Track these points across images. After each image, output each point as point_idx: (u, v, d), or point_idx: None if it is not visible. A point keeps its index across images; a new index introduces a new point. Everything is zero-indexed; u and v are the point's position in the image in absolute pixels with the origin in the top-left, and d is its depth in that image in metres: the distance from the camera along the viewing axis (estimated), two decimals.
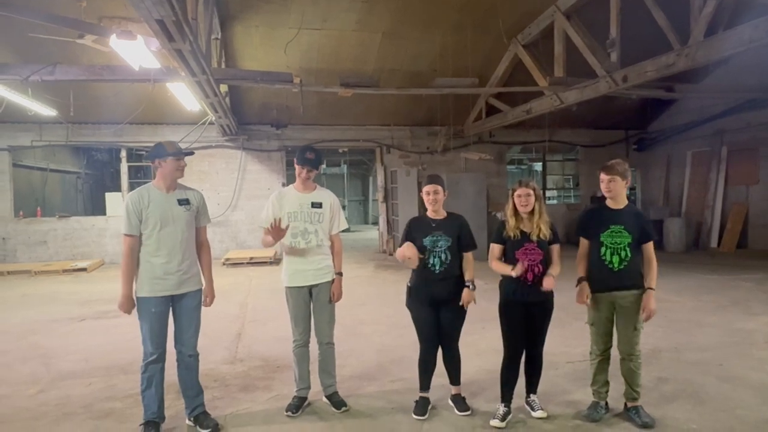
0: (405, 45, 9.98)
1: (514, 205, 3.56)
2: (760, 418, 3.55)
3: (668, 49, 6.71)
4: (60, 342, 5.69)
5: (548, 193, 16.76)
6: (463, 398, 3.76)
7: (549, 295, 3.58)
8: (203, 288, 3.63)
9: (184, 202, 3.50)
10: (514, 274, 3.45)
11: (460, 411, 3.67)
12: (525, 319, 3.56)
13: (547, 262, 3.54)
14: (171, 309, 3.49)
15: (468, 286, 3.62)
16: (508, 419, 3.56)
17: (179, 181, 3.58)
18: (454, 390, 3.80)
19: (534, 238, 3.51)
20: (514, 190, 3.59)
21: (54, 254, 11.65)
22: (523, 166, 23.72)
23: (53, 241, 11.70)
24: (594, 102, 9.04)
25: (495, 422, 3.52)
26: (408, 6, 8.81)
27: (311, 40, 9.47)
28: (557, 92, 8.98)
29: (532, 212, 3.53)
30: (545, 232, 3.52)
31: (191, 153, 3.58)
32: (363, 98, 10.38)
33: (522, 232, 3.55)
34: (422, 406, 3.72)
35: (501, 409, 3.60)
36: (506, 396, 3.64)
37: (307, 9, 8.60)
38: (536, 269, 3.50)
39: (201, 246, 3.66)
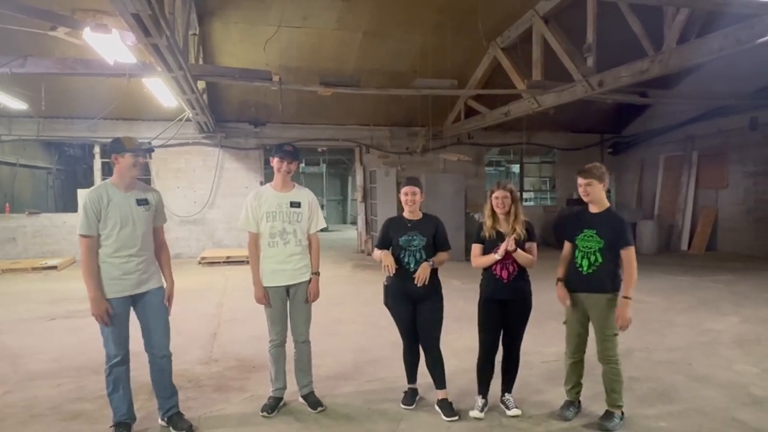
0: (385, 45, 9.99)
1: (492, 206, 3.63)
2: (726, 416, 3.65)
3: (643, 56, 6.85)
4: (28, 342, 5.54)
5: (525, 195, 16.96)
6: (450, 403, 3.71)
7: (526, 294, 3.66)
8: (164, 286, 3.55)
9: (143, 202, 3.43)
10: (498, 256, 3.54)
11: (447, 417, 3.62)
12: (501, 317, 3.66)
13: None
14: (133, 310, 3.42)
15: (427, 261, 3.64)
16: (486, 410, 3.69)
17: (138, 179, 3.51)
18: (440, 395, 3.75)
19: None
20: (492, 192, 3.66)
21: (23, 252, 11.33)
22: (501, 168, 23.95)
23: (22, 238, 11.38)
24: (571, 105, 9.17)
25: (474, 413, 3.66)
26: (388, 6, 8.82)
27: (291, 37, 9.40)
28: (535, 95, 9.09)
29: (508, 213, 3.62)
30: (520, 233, 3.60)
31: (151, 150, 3.48)
32: (343, 98, 10.34)
33: (498, 232, 3.64)
34: (410, 397, 3.84)
35: (479, 400, 3.73)
36: (483, 389, 3.76)
37: (287, 6, 8.53)
38: (510, 268, 3.60)
39: (160, 246, 3.60)
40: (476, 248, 3.73)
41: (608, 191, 17.09)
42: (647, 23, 6.93)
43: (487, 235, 3.66)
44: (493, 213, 3.66)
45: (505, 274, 3.60)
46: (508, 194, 3.60)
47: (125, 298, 3.34)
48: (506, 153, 18.33)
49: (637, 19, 7.01)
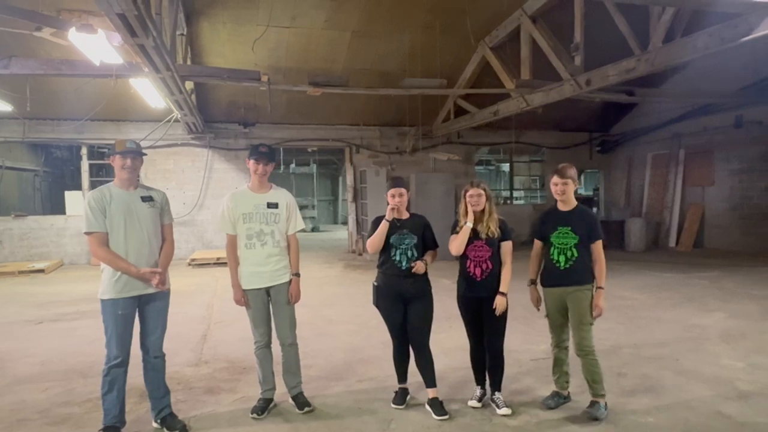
0: (374, 45, 9.99)
1: (466, 205, 3.72)
2: (712, 410, 3.70)
3: (629, 55, 6.92)
4: (16, 345, 5.47)
5: (515, 194, 17.04)
6: (440, 402, 3.72)
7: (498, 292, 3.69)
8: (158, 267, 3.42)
9: (147, 199, 3.46)
10: (469, 223, 3.65)
11: (437, 415, 3.62)
12: (478, 313, 3.74)
13: (495, 258, 3.71)
14: (137, 310, 3.41)
15: (422, 260, 3.70)
16: (484, 399, 3.81)
17: (142, 181, 3.54)
18: (431, 393, 3.76)
19: (483, 236, 3.68)
20: (466, 191, 3.75)
21: (9, 255, 11.19)
22: (491, 167, 24.06)
23: (9, 241, 11.24)
24: (559, 104, 9.23)
25: (473, 403, 3.79)
26: (377, 5, 8.81)
27: (280, 37, 9.37)
28: (523, 94, 9.14)
29: (482, 211, 3.69)
30: (494, 230, 3.68)
31: (138, 153, 3.45)
32: (332, 97, 10.34)
33: (472, 230, 3.71)
34: (401, 396, 3.86)
35: (477, 391, 3.86)
36: (479, 380, 3.89)
37: (276, 6, 8.51)
38: (484, 266, 3.68)
39: (164, 241, 3.58)
40: (452, 237, 3.81)
41: (596, 189, 17.28)
42: (634, 22, 7.00)
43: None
44: (467, 212, 3.73)
45: (478, 272, 3.69)
46: (482, 192, 3.69)
47: (133, 298, 3.33)
48: (496, 152, 18.41)
49: (624, 19, 7.07)
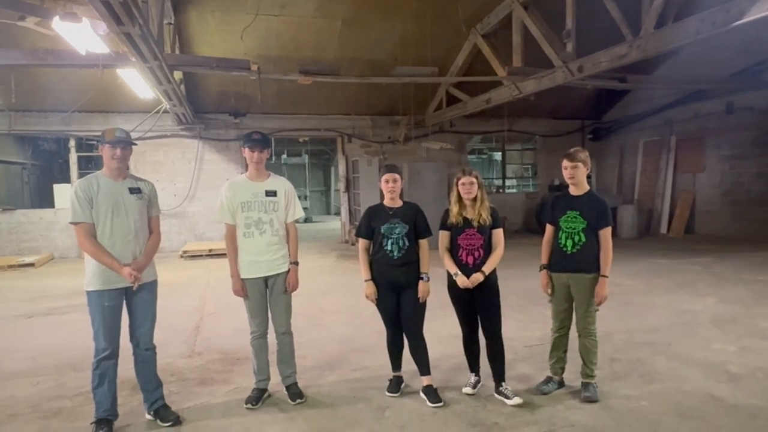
0: (365, 33, 9.90)
1: (458, 193, 3.71)
2: (704, 393, 3.73)
3: (621, 41, 6.89)
4: (5, 340, 5.42)
5: (507, 182, 17.03)
6: (435, 389, 3.72)
7: (491, 280, 3.69)
8: (139, 259, 3.36)
9: (135, 190, 3.41)
10: (459, 281, 3.64)
11: (432, 403, 3.62)
12: (471, 300, 3.73)
13: (487, 247, 3.70)
14: (125, 302, 3.37)
15: (422, 278, 3.72)
16: (479, 386, 3.81)
17: (132, 171, 3.50)
18: (425, 381, 3.75)
19: (475, 224, 3.68)
20: (458, 179, 3.74)
21: None
22: (484, 156, 24.04)
23: None
24: (551, 92, 9.20)
25: (467, 389, 3.79)
26: None
27: (269, 26, 9.26)
28: (515, 82, 9.09)
29: (474, 199, 3.68)
30: (485, 218, 3.68)
31: (128, 143, 3.39)
32: (323, 87, 10.25)
33: (464, 219, 3.71)
34: (395, 384, 3.86)
35: (472, 378, 3.85)
36: (473, 367, 3.88)
37: None
38: (476, 254, 3.68)
39: (151, 233, 3.55)
40: (444, 236, 3.80)
41: (589, 177, 17.40)
42: (625, 8, 6.95)
43: (454, 221, 3.73)
44: (460, 199, 3.73)
45: (470, 260, 3.68)
46: (474, 180, 3.68)
47: (119, 290, 3.30)
48: (488, 140, 18.40)
49: (615, 4, 7.03)
